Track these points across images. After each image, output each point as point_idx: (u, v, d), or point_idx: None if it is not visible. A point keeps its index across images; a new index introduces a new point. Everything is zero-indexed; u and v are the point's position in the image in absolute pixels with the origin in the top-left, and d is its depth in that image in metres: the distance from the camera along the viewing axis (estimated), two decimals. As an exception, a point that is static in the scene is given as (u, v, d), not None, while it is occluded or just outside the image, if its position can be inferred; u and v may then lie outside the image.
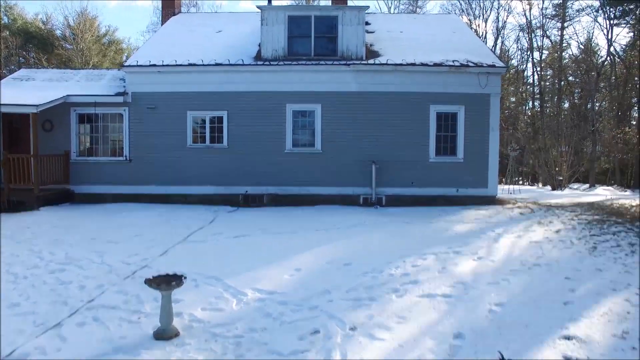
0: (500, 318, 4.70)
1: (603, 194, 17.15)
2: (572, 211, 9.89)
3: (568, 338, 4.17)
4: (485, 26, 32.81)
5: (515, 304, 5.01)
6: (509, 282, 5.65)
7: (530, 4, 32.69)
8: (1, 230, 8.95)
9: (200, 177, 11.68)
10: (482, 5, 33.32)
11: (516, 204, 11.38)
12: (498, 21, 33.08)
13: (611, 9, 28.74)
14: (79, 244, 8.09)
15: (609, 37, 28.06)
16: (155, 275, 5.10)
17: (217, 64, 11.36)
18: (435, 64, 10.95)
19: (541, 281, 5.65)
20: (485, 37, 32.07)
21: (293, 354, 4.22)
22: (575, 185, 21.96)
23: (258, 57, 11.65)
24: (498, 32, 32.30)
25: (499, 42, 32.79)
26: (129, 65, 11.65)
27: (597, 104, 28.59)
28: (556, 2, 31.50)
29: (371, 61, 11.21)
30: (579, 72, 30.82)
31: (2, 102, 10.83)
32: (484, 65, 10.98)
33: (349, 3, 14.43)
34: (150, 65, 11.51)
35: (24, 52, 37.01)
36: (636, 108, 29.54)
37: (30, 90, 12.15)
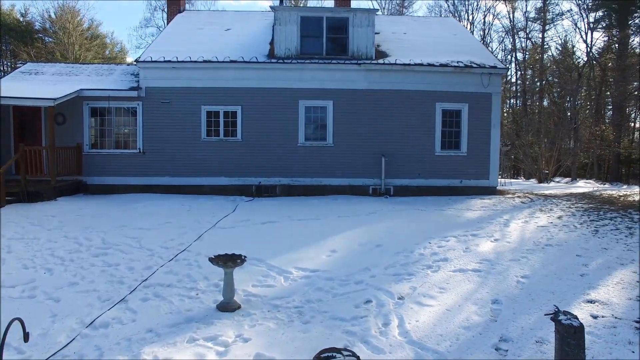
0: (528, 287, 5.36)
1: (585, 186, 18.24)
2: (567, 200, 10.74)
3: (591, 302, 4.85)
4: (472, 28, 33.93)
5: (538, 276, 5.68)
6: (527, 259, 6.33)
7: (513, 7, 34.12)
8: (28, 219, 9.14)
9: (214, 169, 12.05)
10: (467, 8, 34.38)
11: (515, 194, 12.21)
12: (485, 23, 34.21)
13: (589, 14, 30.33)
14: (110, 230, 8.38)
15: (590, 41, 29.53)
16: (216, 255, 5.54)
17: (232, 61, 11.74)
18: (442, 65, 11.64)
19: (556, 258, 6.35)
20: (471, 38, 33.12)
21: (354, 319, 4.75)
22: (558, 179, 23.18)
23: (271, 55, 12.07)
24: (484, 33, 33.46)
25: (483, 43, 33.99)
26: (144, 61, 11.88)
27: (578, 102, 30.08)
28: (538, 5, 33.01)
29: (380, 61, 11.80)
30: (558, 72, 32.32)
31: (17, 96, 10.91)
32: (487, 66, 11.74)
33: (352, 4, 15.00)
34: (166, 62, 11.78)
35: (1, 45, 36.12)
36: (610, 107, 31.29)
37: (42, 84, 12.24)
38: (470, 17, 34.26)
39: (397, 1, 35.29)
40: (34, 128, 12.48)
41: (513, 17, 34.06)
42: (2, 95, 10.73)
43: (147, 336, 4.56)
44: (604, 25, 30.49)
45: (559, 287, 5.30)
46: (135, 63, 12.42)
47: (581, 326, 3.11)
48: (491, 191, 12.04)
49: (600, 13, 30.24)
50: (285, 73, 11.88)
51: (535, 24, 33.46)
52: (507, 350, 3.99)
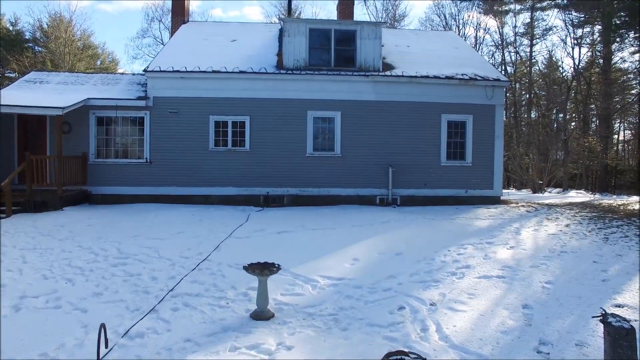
0: (553, 292, 5.51)
1: (579, 196, 18.70)
2: (570, 209, 11.03)
3: (620, 306, 5.02)
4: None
5: (561, 281, 5.85)
6: (547, 265, 6.51)
7: (502, 23, 35.11)
8: (37, 229, 9.02)
9: (222, 179, 12.06)
10: (458, 23, 35.25)
11: (519, 203, 12.48)
12: (476, 37, 35.07)
13: (575, 30, 31.42)
14: (124, 240, 8.32)
15: (579, 55, 30.54)
16: (250, 263, 5.57)
17: (241, 72, 11.85)
18: (447, 77, 11.94)
19: (574, 264, 6.54)
20: (463, 52, 33.91)
21: (392, 325, 4.83)
22: (549, 189, 23.70)
23: (279, 65, 12.22)
24: (476, 47, 34.27)
25: (474, 56, 34.77)
26: (152, 71, 11.91)
27: (567, 115, 30.97)
28: (526, 21, 34.06)
29: (387, 73, 12.06)
30: (545, 85, 33.27)
31: (25, 104, 10.81)
32: (490, 79, 12.09)
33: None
34: (174, 71, 11.84)
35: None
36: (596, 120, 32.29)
37: (48, 93, 12.15)
38: (462, 32, 35.09)
39: (389, 13, 36.01)
40: (39, 137, 12.35)
41: (502, 32, 35.02)
42: (8, 103, 10.63)
43: (187, 345, 4.56)
44: (589, 41, 31.61)
45: (584, 292, 5.47)
46: (143, 73, 12.43)
47: (632, 328, 3.25)
48: (495, 201, 12.30)
49: (585, 29, 31.35)
50: (294, 84, 12.03)
51: (524, 39, 34.43)
52: (548, 354, 4.11)
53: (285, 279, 6.41)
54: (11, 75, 33.46)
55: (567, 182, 26.68)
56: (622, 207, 11.08)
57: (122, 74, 13.82)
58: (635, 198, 13.98)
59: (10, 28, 37.45)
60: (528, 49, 34.45)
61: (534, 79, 34.20)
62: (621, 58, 29.81)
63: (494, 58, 35.27)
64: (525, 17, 34.21)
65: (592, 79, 30.45)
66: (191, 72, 11.85)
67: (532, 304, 5.20)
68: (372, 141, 12.12)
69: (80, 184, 11.97)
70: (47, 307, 5.58)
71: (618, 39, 26.84)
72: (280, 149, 12.07)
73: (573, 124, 32.44)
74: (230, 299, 5.78)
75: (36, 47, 36.95)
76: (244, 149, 12.10)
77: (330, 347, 4.36)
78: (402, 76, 11.96)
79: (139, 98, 12.06)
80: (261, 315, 5.20)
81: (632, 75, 30.02)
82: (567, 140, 26.61)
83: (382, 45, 13.71)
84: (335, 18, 16.35)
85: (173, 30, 15.55)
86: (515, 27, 34.69)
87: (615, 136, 35.04)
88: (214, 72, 11.85)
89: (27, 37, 37.14)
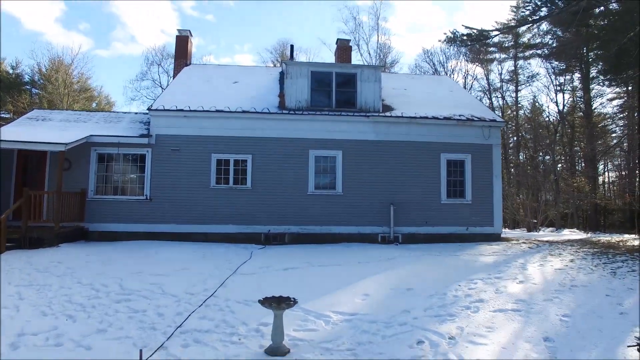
0: (572, 325, 5.44)
1: (573, 234, 18.89)
2: (570, 246, 11.10)
3: (641, 337, 4.95)
4: (451, 87, 36.06)
5: (578, 315, 5.79)
6: (560, 299, 6.46)
7: (488, 70, 36.85)
8: (32, 265, 8.73)
9: (223, 217, 11.96)
10: (447, 70, 36.84)
11: (520, 240, 12.53)
12: (465, 84, 36.53)
13: (557, 77, 33.05)
14: (126, 276, 8.08)
15: (562, 100, 31.91)
16: (265, 297, 5.44)
17: (244, 111, 12.11)
18: (445, 117, 12.34)
19: (587, 298, 6.50)
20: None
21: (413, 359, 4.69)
22: (542, 228, 23.90)
23: (281, 106, 12.53)
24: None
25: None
26: (156, 109, 12.10)
27: (555, 157, 31.82)
28: (511, 69, 35.80)
29: (387, 114, 12.43)
30: (531, 129, 34.45)
31: (27, 140, 10.83)
32: (487, 119, 12.53)
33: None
34: (178, 110, 12.04)
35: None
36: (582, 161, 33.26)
37: (51, 129, 12.21)
38: (451, 78, 36.56)
39: (381, 62, 37.53)
40: (38, 173, 12.24)
41: (488, 78, 36.66)
42: (10, 139, 10.63)
43: (202, 381, 4.35)
44: (570, 88, 33.21)
45: (604, 325, 5.41)
46: (147, 111, 12.61)
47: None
48: (496, 238, 12.34)
49: (566, 77, 33.01)
50: (296, 124, 12.29)
51: (510, 85, 36.00)
52: (579, 386, 4.00)
53: (296, 314, 6.24)
54: (6, 116, 33.61)
55: (560, 221, 27.01)
56: (622, 244, 11.20)
57: (125, 112, 13.97)
58: (631, 235, 14.15)
59: (10, 71, 38.15)
60: (514, 94, 35.95)
61: (521, 122, 35.45)
62: (601, 104, 31.25)
63: (482, 103, 36.64)
64: (509, 64, 36.04)
65: (576, 122, 31.73)
66: (194, 111, 12.06)
67: (553, 336, 5.12)
68: (373, 180, 12.26)
69: (77, 220, 11.76)
70: (47, 345, 5.32)
71: (596, 86, 28.37)
72: (282, 187, 12.12)
73: (560, 165, 33.37)
74: (242, 334, 5.59)
75: (33, 90, 37.53)
76: (245, 186, 12.11)
77: (354, 381, 4.20)
78: (402, 117, 12.33)
79: (142, 135, 12.16)
80: (277, 350, 5.02)
81: (610, 120, 31.41)
82: (557, 180, 27.21)
83: (381, 88, 14.22)
84: (334, 62, 16.99)
85: (175, 72, 15.97)
86: (500, 74, 36.41)
87: (601, 177, 35.98)
88: (217, 111, 12.09)
89: (25, 80, 37.80)
